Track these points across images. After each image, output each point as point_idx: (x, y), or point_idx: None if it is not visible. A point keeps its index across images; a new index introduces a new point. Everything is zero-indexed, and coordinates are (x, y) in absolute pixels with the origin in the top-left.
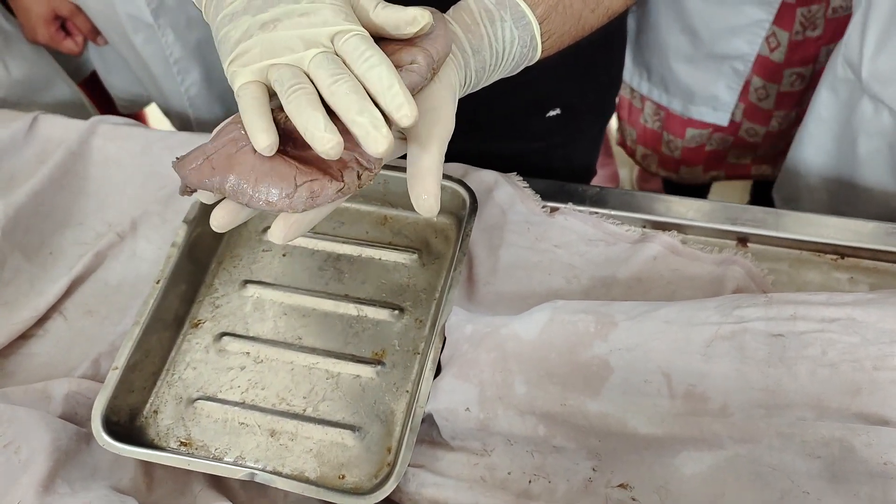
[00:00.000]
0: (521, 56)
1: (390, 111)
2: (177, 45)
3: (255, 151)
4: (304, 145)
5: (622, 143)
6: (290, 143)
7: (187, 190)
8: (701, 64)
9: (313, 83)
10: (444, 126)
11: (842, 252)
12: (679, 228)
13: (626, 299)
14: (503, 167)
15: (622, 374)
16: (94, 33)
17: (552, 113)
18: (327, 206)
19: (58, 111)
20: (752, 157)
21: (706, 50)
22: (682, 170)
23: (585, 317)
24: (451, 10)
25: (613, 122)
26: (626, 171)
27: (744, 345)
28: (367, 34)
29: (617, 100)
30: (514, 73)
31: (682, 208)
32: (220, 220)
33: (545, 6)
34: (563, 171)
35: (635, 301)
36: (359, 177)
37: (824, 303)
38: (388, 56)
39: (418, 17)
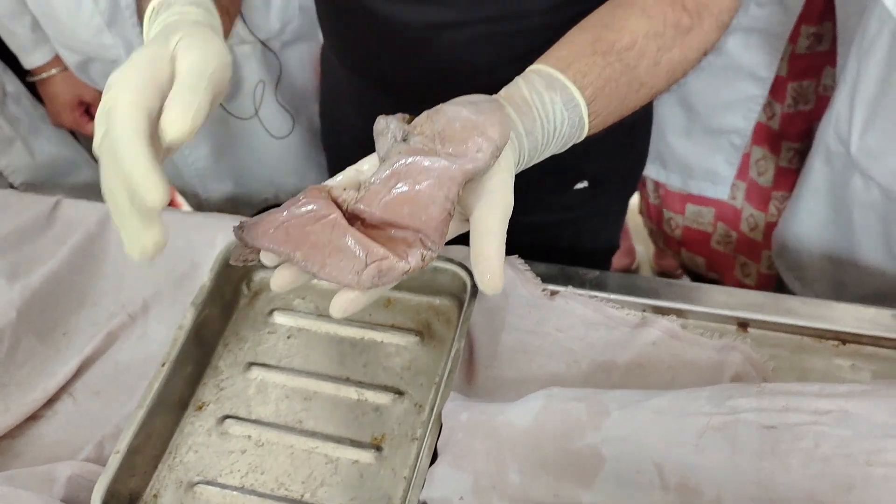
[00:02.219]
0: (570, 135)
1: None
2: None
3: (332, 227)
4: (374, 224)
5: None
6: (360, 221)
7: (241, 258)
8: (698, 138)
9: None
10: (503, 208)
11: (843, 338)
12: (679, 313)
13: (625, 384)
14: (531, 239)
15: (615, 465)
16: None
17: (580, 185)
18: (371, 293)
19: (81, 193)
20: (756, 273)
21: (703, 124)
22: (684, 253)
23: (578, 405)
24: (503, 91)
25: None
26: (643, 247)
27: (736, 436)
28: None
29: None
30: (562, 151)
31: (683, 292)
32: (282, 281)
33: (593, 88)
34: (588, 245)
35: (629, 389)
36: (423, 258)
37: (817, 394)
38: (455, 144)
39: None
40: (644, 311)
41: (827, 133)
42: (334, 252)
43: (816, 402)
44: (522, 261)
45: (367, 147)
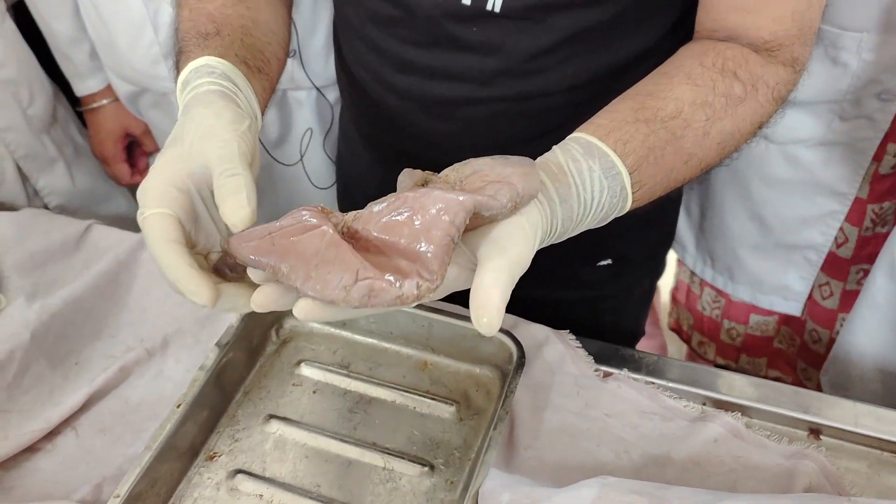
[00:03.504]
0: (611, 206)
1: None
2: None
3: (321, 238)
4: (368, 247)
5: (676, 328)
6: (353, 241)
7: (221, 270)
8: (770, 253)
9: None
10: (513, 255)
11: None
12: (743, 410)
13: (681, 482)
14: (551, 315)
15: None
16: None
17: (603, 263)
18: (369, 310)
19: (114, 223)
20: (817, 380)
21: (776, 239)
22: (743, 359)
23: (639, 499)
24: (539, 159)
25: (665, 297)
26: (675, 347)
27: None
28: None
29: (674, 282)
30: (604, 224)
31: (749, 388)
32: (264, 300)
33: (635, 157)
34: (610, 327)
35: (695, 488)
36: (418, 288)
37: None
38: (477, 189)
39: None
40: (704, 403)
41: (892, 247)
42: (322, 264)
43: None
44: (574, 336)
45: None
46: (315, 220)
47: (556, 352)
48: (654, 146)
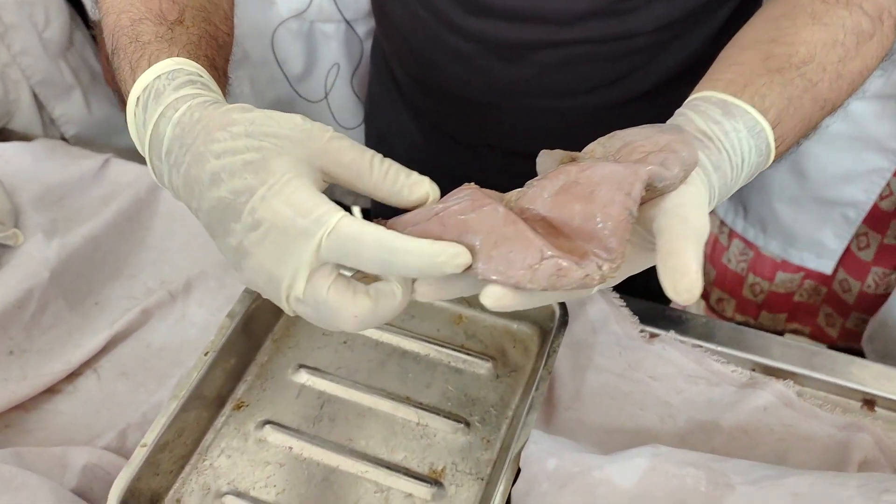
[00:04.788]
0: (757, 166)
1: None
2: (250, 99)
3: (495, 214)
4: (539, 230)
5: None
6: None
7: None
8: (807, 207)
9: None
10: (696, 224)
11: None
12: (794, 378)
13: (728, 451)
14: None
15: None
16: None
17: None
18: (539, 296)
19: (130, 156)
20: (840, 327)
21: (815, 193)
22: (763, 315)
23: (695, 472)
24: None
25: None
26: (693, 305)
27: None
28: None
29: None
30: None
31: (800, 355)
32: (425, 289)
33: (776, 111)
34: (640, 281)
35: (753, 461)
36: (599, 268)
37: None
38: (636, 162)
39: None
40: (753, 369)
41: None
42: (502, 242)
43: None
44: (617, 295)
45: (421, 160)
46: (483, 198)
47: (600, 310)
48: (792, 97)
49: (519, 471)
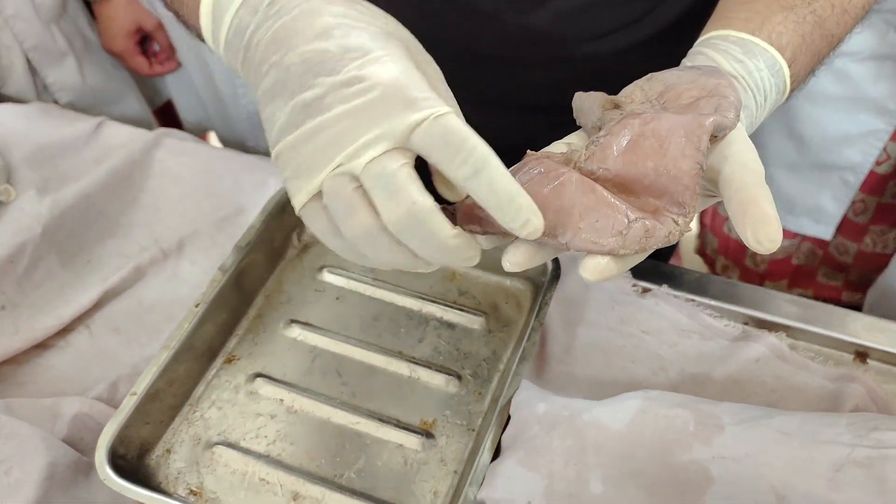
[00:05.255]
0: (775, 103)
1: (513, 227)
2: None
3: (571, 185)
4: (615, 187)
5: (701, 252)
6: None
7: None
8: (806, 173)
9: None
10: (758, 169)
11: None
12: (786, 331)
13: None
14: None
15: (725, 488)
16: (171, 51)
17: None
18: (628, 260)
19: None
20: (843, 280)
21: (814, 158)
22: (766, 284)
23: (684, 413)
24: (688, 65)
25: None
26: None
27: (884, 476)
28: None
29: None
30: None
31: (793, 308)
32: (520, 259)
33: (791, 49)
34: None
35: (744, 404)
36: (675, 224)
37: None
38: (686, 110)
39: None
40: (746, 323)
41: None
42: (585, 212)
43: None
44: None
45: None
46: (555, 169)
47: None
48: (805, 34)
49: (509, 418)
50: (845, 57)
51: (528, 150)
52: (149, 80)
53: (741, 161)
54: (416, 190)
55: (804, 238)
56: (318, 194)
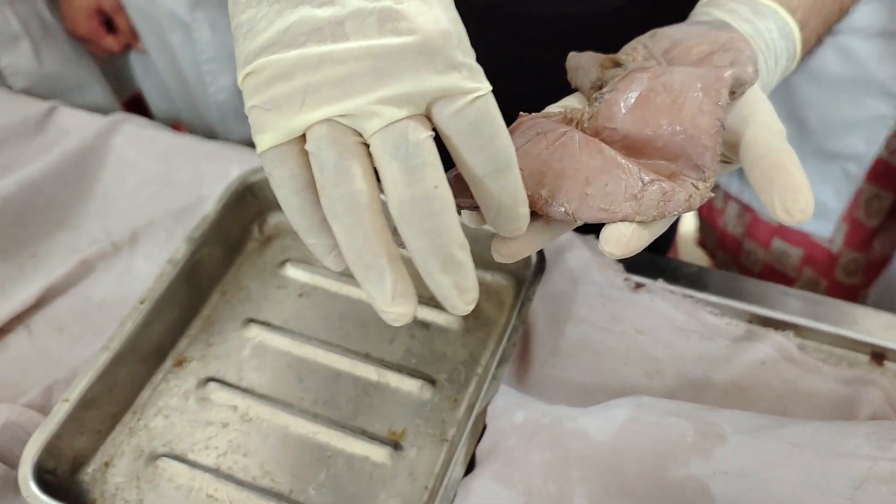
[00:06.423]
0: (784, 70)
1: (502, 231)
2: (211, 44)
3: (574, 145)
4: (623, 149)
5: (702, 244)
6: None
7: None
8: (807, 162)
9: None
10: (781, 130)
11: None
12: (795, 329)
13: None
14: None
15: None
16: (133, 35)
17: None
18: (652, 228)
19: None
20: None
21: (815, 146)
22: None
23: (681, 422)
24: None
25: (689, 219)
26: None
27: None
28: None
29: None
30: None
31: (802, 304)
32: (514, 247)
33: (802, 11)
34: None
35: (749, 411)
36: (696, 187)
37: None
38: (701, 64)
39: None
40: (750, 321)
41: None
42: (593, 176)
43: None
44: None
45: None
46: (555, 128)
47: (580, 257)
48: None
49: (485, 428)
50: (850, 33)
51: (521, 112)
52: (116, 69)
53: (763, 122)
54: (442, 173)
55: (806, 259)
56: (296, 140)
